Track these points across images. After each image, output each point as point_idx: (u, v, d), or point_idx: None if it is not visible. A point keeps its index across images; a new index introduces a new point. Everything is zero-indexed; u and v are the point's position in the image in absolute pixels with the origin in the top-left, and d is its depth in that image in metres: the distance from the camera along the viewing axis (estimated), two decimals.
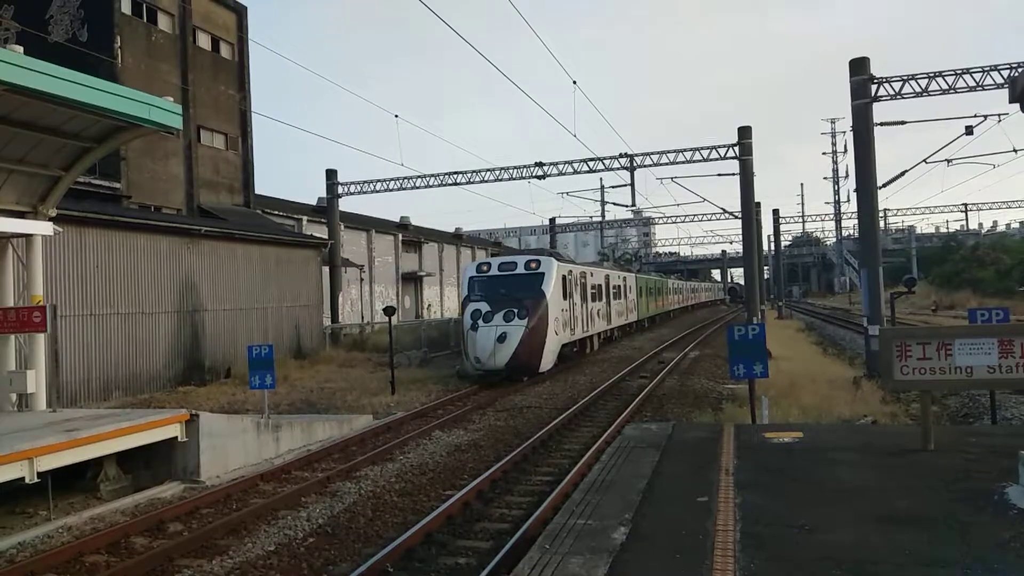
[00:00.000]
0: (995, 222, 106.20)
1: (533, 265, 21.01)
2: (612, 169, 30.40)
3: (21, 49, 10.27)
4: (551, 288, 20.58)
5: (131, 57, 27.19)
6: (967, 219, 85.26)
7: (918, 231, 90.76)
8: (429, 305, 49.23)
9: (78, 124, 11.28)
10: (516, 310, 19.74)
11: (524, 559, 5.31)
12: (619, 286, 32.93)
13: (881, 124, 19.86)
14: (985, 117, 20.07)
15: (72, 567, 7.54)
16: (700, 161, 28.71)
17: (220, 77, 32.03)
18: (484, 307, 20.15)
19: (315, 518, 8.84)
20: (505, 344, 19.29)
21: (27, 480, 8.45)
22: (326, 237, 32.89)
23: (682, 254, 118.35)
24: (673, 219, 61.83)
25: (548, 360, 20.60)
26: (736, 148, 27.83)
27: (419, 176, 32.93)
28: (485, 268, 21.43)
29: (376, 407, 16.62)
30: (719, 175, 33.35)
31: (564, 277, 21.96)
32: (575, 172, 30.44)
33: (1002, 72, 19.35)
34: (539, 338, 19.96)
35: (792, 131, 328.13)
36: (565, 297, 21.99)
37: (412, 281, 47.84)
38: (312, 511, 9.10)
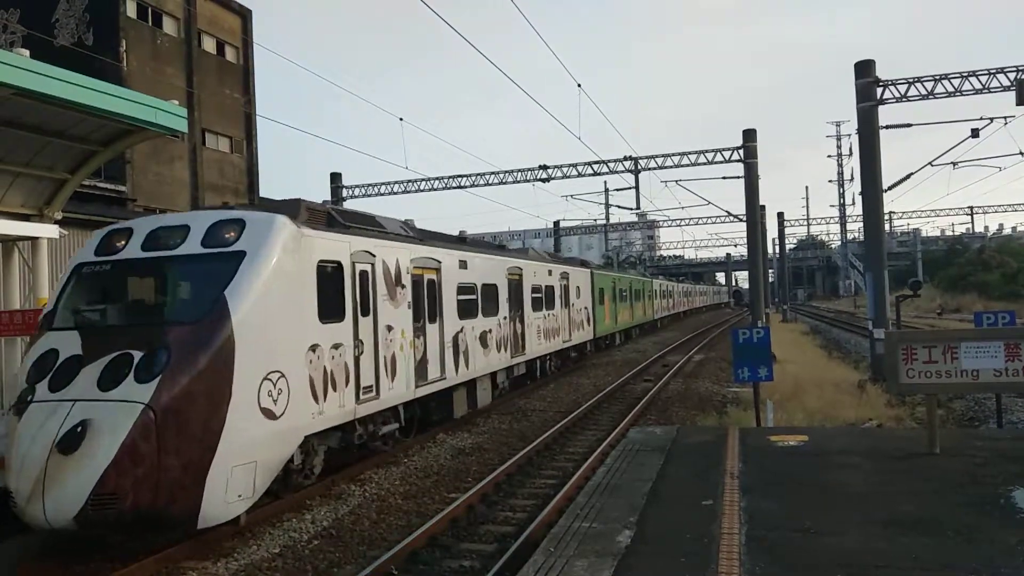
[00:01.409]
0: (1001, 225, 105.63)
1: (228, 234, 8.61)
2: (617, 172, 30.33)
3: (27, 53, 10.32)
4: (258, 287, 8.18)
5: (136, 60, 27.30)
6: (973, 222, 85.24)
7: (923, 234, 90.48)
8: None
9: (84, 128, 11.31)
10: (137, 356, 7.47)
11: (528, 562, 5.31)
12: (548, 287, 20.66)
13: (887, 127, 19.78)
14: (991, 120, 19.99)
15: None
16: (705, 164, 28.67)
17: (225, 80, 32.14)
18: (69, 347, 7.85)
19: (320, 521, 8.85)
20: (79, 457, 6.92)
21: None
22: None
23: (686, 257, 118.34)
24: (677, 222, 61.91)
25: (235, 486, 7.69)
26: (741, 151, 27.78)
27: (423, 179, 32.95)
28: (120, 242, 9.05)
29: None
30: (724, 178, 33.38)
31: (325, 267, 9.55)
32: (579, 175, 30.38)
33: (1008, 74, 19.25)
34: (197, 432, 7.41)
35: (797, 134, 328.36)
36: (331, 313, 9.59)
37: None
38: (316, 514, 9.11)
